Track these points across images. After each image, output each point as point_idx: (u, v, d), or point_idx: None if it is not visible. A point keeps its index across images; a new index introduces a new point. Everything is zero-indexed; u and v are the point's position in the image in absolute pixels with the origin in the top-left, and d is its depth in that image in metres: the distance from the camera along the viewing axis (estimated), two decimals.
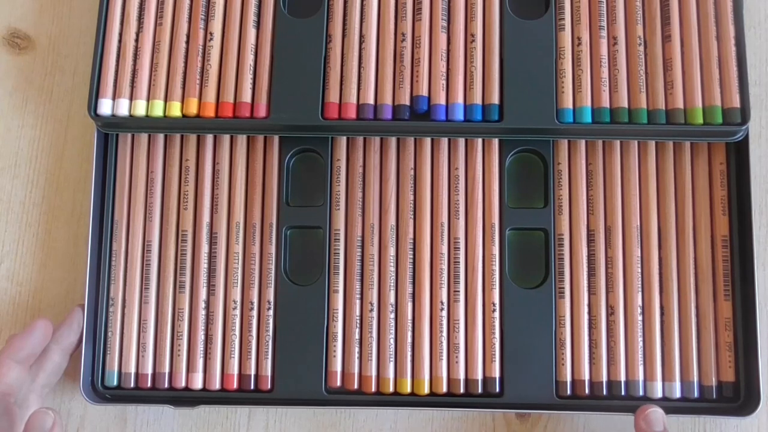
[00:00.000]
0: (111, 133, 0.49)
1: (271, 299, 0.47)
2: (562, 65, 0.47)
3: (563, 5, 0.48)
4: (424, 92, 0.47)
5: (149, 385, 0.47)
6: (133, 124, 0.48)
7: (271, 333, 0.47)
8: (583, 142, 0.48)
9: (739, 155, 0.47)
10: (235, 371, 0.47)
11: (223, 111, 0.47)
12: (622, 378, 0.46)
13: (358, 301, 0.47)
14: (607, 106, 0.46)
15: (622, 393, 0.46)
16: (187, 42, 0.48)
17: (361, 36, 0.48)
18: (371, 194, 0.48)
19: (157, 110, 0.47)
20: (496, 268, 0.47)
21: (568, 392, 0.46)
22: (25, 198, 0.51)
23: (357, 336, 0.47)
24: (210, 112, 0.47)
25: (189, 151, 0.49)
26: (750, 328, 0.45)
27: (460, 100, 0.47)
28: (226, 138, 0.49)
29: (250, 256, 0.48)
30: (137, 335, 0.47)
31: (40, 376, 0.45)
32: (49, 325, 0.45)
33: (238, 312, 0.47)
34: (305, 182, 0.49)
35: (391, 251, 0.47)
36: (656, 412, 0.44)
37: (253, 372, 0.47)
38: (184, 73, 0.48)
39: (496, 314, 0.47)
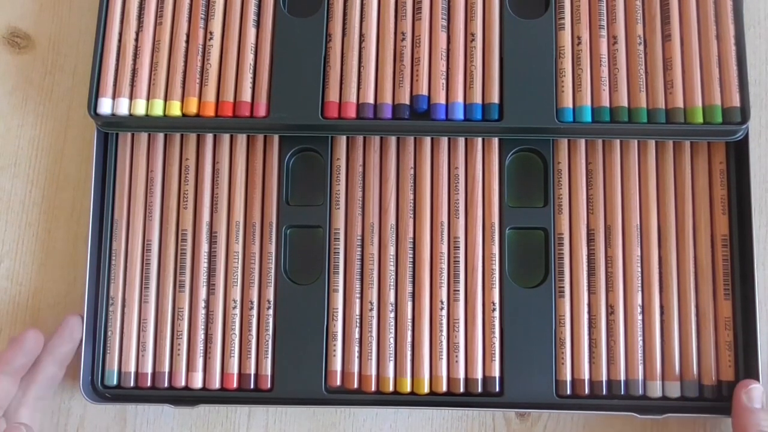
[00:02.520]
0: (111, 132, 0.49)
1: (271, 298, 0.47)
2: (562, 64, 0.47)
3: (563, 4, 0.48)
4: (424, 91, 0.47)
5: (149, 384, 0.47)
6: (133, 123, 0.48)
7: (270, 332, 0.47)
8: (582, 142, 0.48)
9: (738, 154, 0.47)
10: (235, 370, 0.47)
11: (223, 110, 0.47)
12: (622, 377, 0.46)
13: (357, 301, 0.47)
14: (607, 105, 0.46)
15: (622, 392, 0.46)
16: (187, 41, 0.48)
17: (361, 35, 0.48)
18: (371, 193, 0.48)
19: (157, 109, 0.47)
20: (496, 267, 0.47)
21: (568, 391, 0.46)
22: (25, 197, 0.51)
23: (357, 335, 0.47)
24: (210, 111, 0.47)
25: (189, 150, 0.49)
26: (750, 328, 0.45)
27: (459, 99, 0.47)
28: (226, 137, 0.49)
29: (249, 255, 0.48)
30: (137, 334, 0.47)
31: (31, 388, 0.44)
32: (39, 336, 0.44)
33: (237, 311, 0.47)
34: (305, 181, 0.49)
35: (391, 250, 0.47)
36: (757, 389, 0.44)
37: (252, 371, 0.47)
38: (184, 72, 0.48)
39: (496, 313, 0.47)
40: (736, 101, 0.45)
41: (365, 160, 0.49)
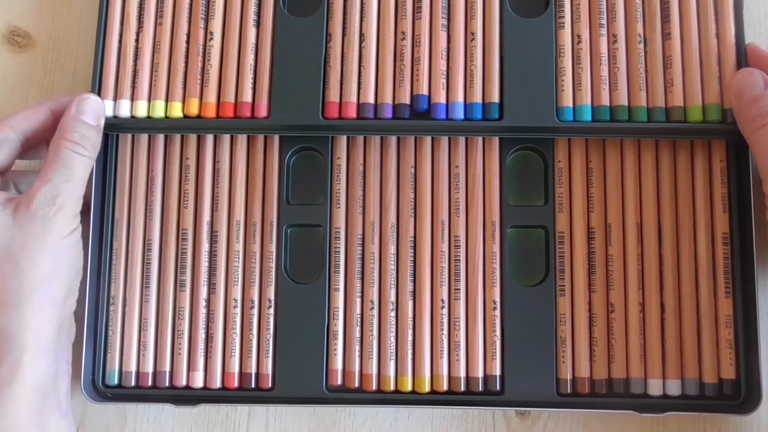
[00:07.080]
0: (112, 133, 0.49)
1: (272, 298, 0.47)
2: (562, 63, 0.47)
3: (563, 3, 0.48)
4: (425, 91, 0.47)
5: (150, 383, 0.47)
6: (135, 124, 0.48)
7: (271, 331, 0.47)
8: (583, 140, 0.48)
9: (739, 153, 0.47)
10: (236, 370, 0.47)
11: (224, 111, 0.47)
12: (623, 375, 0.46)
13: (358, 300, 0.47)
14: (607, 104, 0.47)
15: (623, 391, 0.46)
16: (188, 42, 0.48)
17: (361, 35, 0.48)
18: (371, 192, 0.48)
19: (159, 111, 0.47)
20: (497, 266, 0.47)
21: (569, 390, 0.46)
22: None
23: (358, 334, 0.47)
24: (211, 112, 0.47)
25: (189, 149, 0.49)
26: (751, 326, 0.45)
27: (460, 98, 0.47)
28: (227, 137, 0.49)
29: (250, 254, 0.48)
30: (138, 334, 0.47)
31: None
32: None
33: (238, 310, 0.47)
34: (306, 181, 0.49)
35: (392, 249, 0.47)
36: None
37: (253, 370, 0.47)
38: (185, 73, 0.48)
39: (497, 312, 0.47)
40: None
41: (366, 159, 0.49)
